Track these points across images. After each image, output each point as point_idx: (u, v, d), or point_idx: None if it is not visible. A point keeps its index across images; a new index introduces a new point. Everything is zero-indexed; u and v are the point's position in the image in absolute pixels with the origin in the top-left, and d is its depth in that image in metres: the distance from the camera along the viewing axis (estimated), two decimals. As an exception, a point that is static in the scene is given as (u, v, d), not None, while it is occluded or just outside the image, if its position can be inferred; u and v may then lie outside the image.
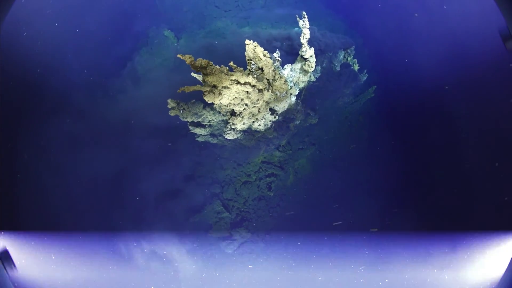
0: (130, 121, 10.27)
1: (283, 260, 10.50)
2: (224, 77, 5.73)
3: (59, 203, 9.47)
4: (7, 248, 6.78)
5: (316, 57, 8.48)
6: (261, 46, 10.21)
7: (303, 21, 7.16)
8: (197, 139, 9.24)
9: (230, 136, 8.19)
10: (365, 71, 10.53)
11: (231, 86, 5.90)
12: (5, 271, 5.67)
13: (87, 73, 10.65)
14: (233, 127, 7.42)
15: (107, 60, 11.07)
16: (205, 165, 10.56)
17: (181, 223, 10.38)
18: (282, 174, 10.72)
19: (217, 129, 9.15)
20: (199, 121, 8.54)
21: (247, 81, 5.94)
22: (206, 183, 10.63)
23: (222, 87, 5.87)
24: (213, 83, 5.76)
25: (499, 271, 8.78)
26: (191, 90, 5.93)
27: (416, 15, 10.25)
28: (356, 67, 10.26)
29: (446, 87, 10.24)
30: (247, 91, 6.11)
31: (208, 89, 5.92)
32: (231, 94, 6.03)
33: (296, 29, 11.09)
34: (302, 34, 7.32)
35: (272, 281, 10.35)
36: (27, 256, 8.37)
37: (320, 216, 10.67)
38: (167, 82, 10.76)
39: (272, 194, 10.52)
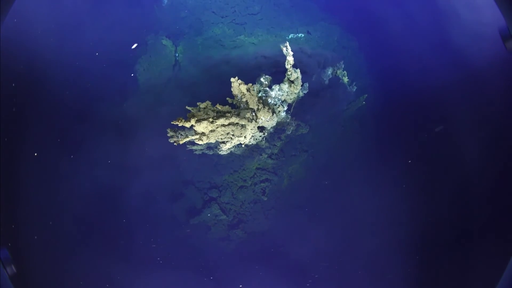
0: (129, 128, 10.70)
1: (278, 259, 11.29)
2: (210, 125, 6.34)
3: (59, 205, 10.09)
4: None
5: (304, 73, 8.80)
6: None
7: (286, 48, 7.48)
8: (195, 152, 9.87)
9: (223, 152, 8.80)
10: (354, 83, 10.75)
11: (216, 129, 6.51)
12: (5, 271, 6.02)
13: (85, 79, 10.87)
14: (224, 148, 8.03)
15: (106, 66, 11.23)
16: (203, 171, 11.26)
17: (182, 225, 11.24)
18: (276, 179, 11.28)
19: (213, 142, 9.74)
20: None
21: (230, 122, 6.51)
22: (205, 188, 11.38)
23: (209, 131, 6.49)
24: (201, 130, 6.40)
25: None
26: (184, 141, 6.64)
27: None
28: (346, 79, 10.50)
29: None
30: (232, 129, 6.71)
31: (197, 136, 6.56)
32: (217, 135, 6.65)
33: (292, 35, 11.25)
34: (287, 61, 7.67)
35: (267, 278, 11.20)
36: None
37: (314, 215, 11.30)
38: (166, 90, 11.22)
39: (266, 199, 11.17)
